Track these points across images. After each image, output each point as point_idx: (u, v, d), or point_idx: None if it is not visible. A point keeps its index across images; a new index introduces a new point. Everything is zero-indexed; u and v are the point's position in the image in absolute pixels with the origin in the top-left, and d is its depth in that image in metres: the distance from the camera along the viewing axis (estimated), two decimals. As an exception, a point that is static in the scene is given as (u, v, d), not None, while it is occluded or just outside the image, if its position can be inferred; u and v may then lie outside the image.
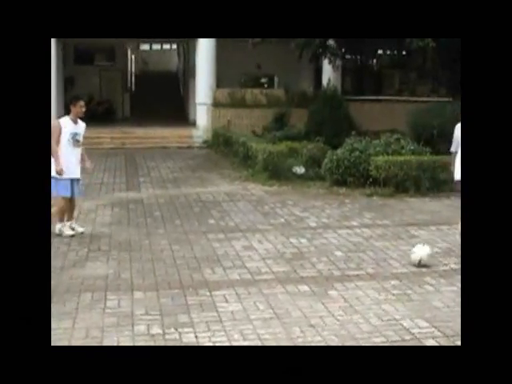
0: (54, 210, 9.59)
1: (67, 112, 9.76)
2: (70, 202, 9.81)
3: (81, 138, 9.63)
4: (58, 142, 9.33)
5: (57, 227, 9.57)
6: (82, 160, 9.78)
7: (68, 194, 9.59)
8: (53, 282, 7.30)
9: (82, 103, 9.61)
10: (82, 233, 9.72)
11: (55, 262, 8.16)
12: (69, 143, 9.43)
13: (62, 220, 9.63)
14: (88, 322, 6.17)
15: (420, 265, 8.06)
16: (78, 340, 5.72)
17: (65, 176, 9.39)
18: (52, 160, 9.23)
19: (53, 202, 9.56)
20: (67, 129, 9.44)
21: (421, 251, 8.16)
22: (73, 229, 9.71)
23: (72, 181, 9.59)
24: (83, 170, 9.92)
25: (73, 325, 6.09)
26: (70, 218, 9.83)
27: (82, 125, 9.70)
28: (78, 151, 9.64)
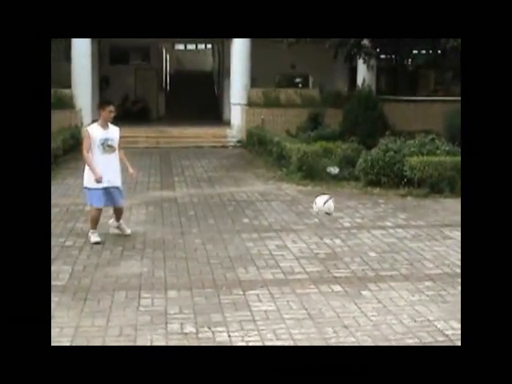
0: (88, 217, 9.51)
1: (98, 116, 9.40)
2: (116, 209, 9.44)
3: (114, 144, 9.12)
4: (88, 150, 8.94)
5: (110, 227, 9.59)
6: (125, 166, 9.33)
7: (100, 205, 9.12)
8: (87, 280, 7.43)
9: (111, 108, 9.12)
10: (128, 234, 9.49)
11: (90, 261, 8.26)
12: (99, 150, 8.95)
13: (93, 228, 9.13)
14: (122, 320, 6.22)
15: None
16: (111, 338, 5.78)
17: (95, 186, 8.95)
18: (86, 170, 9.06)
19: (88, 209, 9.61)
20: (96, 135, 8.96)
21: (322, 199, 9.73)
22: (121, 230, 9.50)
23: (107, 189, 9.09)
24: (126, 175, 9.51)
25: (107, 323, 6.14)
26: (118, 220, 9.53)
27: (113, 129, 9.21)
28: (113, 157, 9.12)
